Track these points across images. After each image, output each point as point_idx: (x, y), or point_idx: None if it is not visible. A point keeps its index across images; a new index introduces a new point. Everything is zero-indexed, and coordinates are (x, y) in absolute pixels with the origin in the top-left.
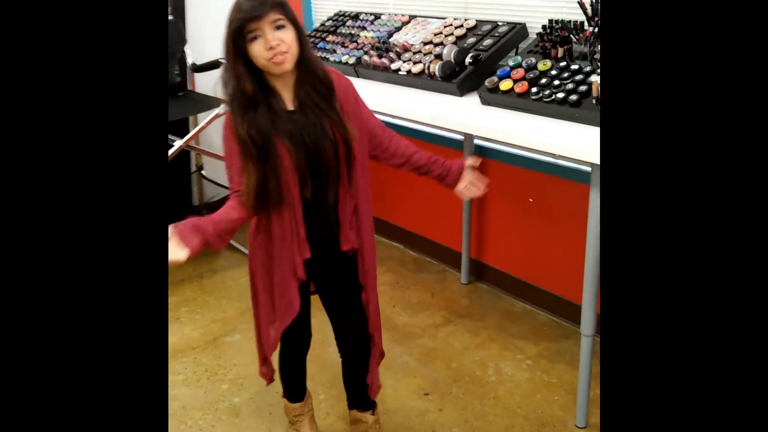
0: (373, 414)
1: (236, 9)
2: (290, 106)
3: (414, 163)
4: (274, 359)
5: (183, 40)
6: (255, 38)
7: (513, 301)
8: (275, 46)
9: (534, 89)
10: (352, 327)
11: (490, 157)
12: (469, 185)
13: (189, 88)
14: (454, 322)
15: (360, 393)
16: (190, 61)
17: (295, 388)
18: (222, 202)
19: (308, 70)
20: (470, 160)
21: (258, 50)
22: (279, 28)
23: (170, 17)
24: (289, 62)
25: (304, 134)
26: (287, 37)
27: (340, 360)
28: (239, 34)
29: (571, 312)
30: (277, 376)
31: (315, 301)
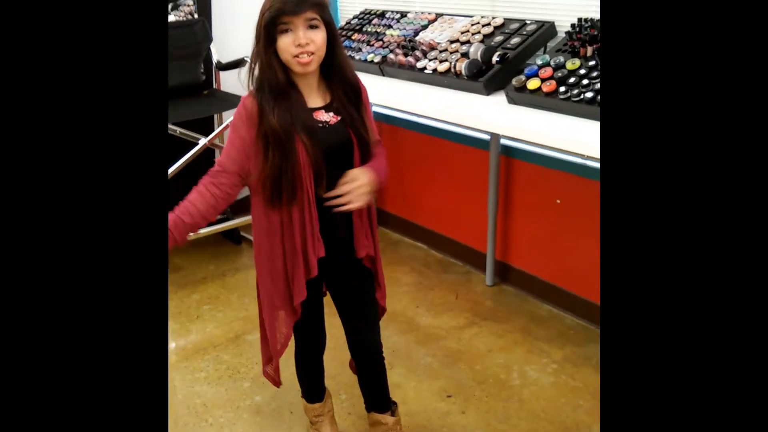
0: (392, 415)
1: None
2: (312, 103)
3: None
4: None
5: (209, 39)
6: (286, 31)
7: (539, 304)
8: (304, 44)
9: (562, 88)
10: (365, 331)
11: (516, 157)
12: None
13: (214, 86)
14: (479, 324)
15: (376, 394)
16: (215, 59)
17: (313, 389)
18: (246, 200)
19: (340, 74)
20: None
21: (286, 44)
22: (312, 27)
23: (196, 16)
24: (314, 64)
25: (325, 133)
26: (318, 38)
27: (373, 373)
28: (272, 24)
29: (598, 316)
30: (286, 378)
31: (328, 301)
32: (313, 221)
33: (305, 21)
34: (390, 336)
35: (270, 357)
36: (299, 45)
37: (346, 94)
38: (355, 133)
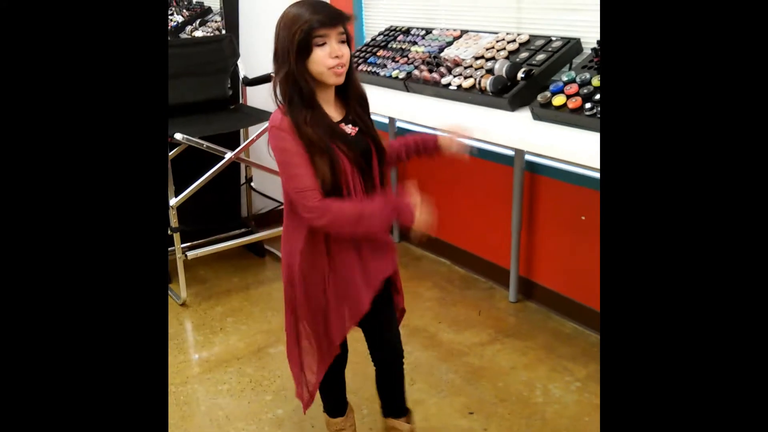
0: (408, 422)
1: (302, 14)
2: (332, 117)
3: (403, 152)
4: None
5: (236, 55)
6: (322, 44)
7: (563, 321)
8: (340, 56)
9: (588, 105)
10: (390, 339)
11: (541, 173)
12: (450, 140)
13: (241, 101)
14: (501, 340)
15: (395, 399)
16: (242, 74)
17: (335, 403)
18: (270, 213)
19: (355, 86)
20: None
21: (321, 56)
22: (342, 41)
23: (224, 32)
24: (344, 76)
25: (356, 140)
26: (347, 51)
27: (395, 379)
28: (308, 36)
29: None
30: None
31: None
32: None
33: (338, 34)
34: (412, 351)
35: (306, 379)
36: (336, 56)
37: (360, 105)
38: (373, 142)
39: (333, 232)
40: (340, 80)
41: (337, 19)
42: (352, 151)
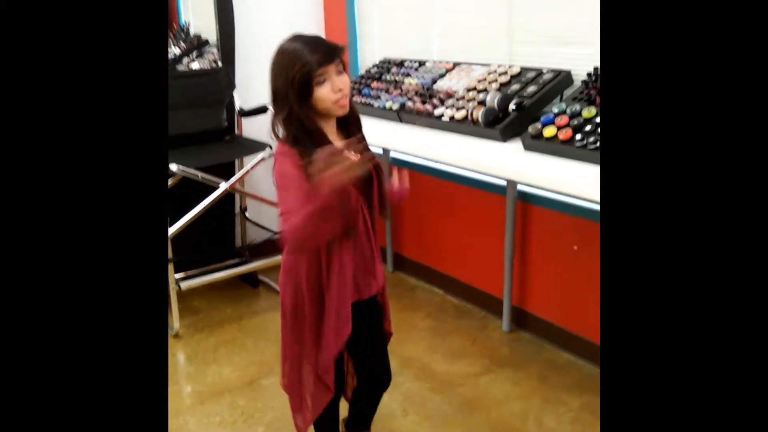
0: None
1: (299, 54)
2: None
3: None
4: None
5: (232, 86)
6: (321, 82)
7: (556, 351)
8: (342, 88)
9: (578, 136)
10: (382, 364)
11: (533, 203)
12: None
13: (236, 132)
14: (495, 371)
15: (366, 416)
16: (238, 106)
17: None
18: (265, 244)
19: (353, 112)
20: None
21: (325, 93)
22: (340, 73)
23: (220, 64)
24: (348, 105)
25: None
26: (347, 80)
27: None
28: (308, 78)
29: None
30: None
31: None
32: (366, 251)
33: (336, 67)
34: (404, 382)
35: (305, 401)
36: (339, 90)
37: (358, 129)
38: (375, 169)
39: (314, 241)
40: (346, 110)
41: (334, 54)
42: (359, 180)
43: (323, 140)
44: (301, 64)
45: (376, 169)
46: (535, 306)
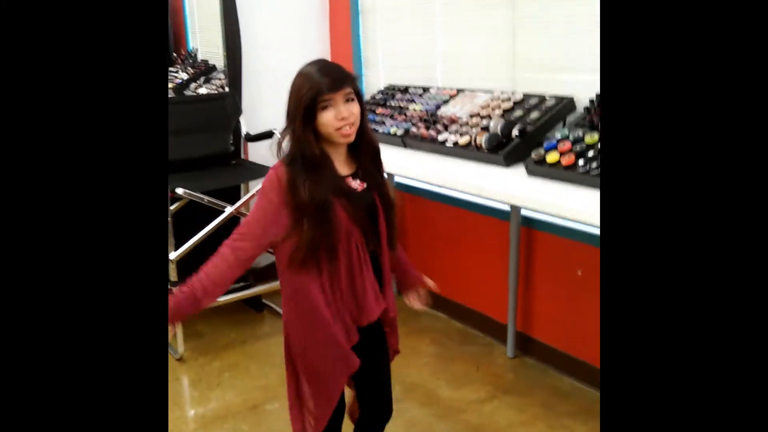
0: None
1: (311, 77)
2: (342, 171)
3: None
4: None
5: (238, 111)
6: (326, 107)
7: (561, 377)
8: (346, 117)
9: (581, 161)
10: (386, 396)
11: (537, 228)
12: (413, 299)
13: (242, 156)
14: (500, 397)
15: None
16: (244, 131)
17: None
18: (269, 268)
19: (367, 141)
20: (430, 282)
21: (328, 118)
22: (349, 101)
23: (227, 89)
24: (353, 134)
25: (361, 198)
26: (355, 110)
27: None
28: (313, 101)
29: None
30: None
31: None
32: (369, 276)
33: (344, 96)
34: (409, 409)
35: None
36: (342, 118)
37: (372, 160)
38: (380, 199)
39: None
40: (349, 140)
41: (342, 82)
42: (354, 208)
43: (318, 163)
44: (309, 87)
45: (383, 201)
46: (539, 332)
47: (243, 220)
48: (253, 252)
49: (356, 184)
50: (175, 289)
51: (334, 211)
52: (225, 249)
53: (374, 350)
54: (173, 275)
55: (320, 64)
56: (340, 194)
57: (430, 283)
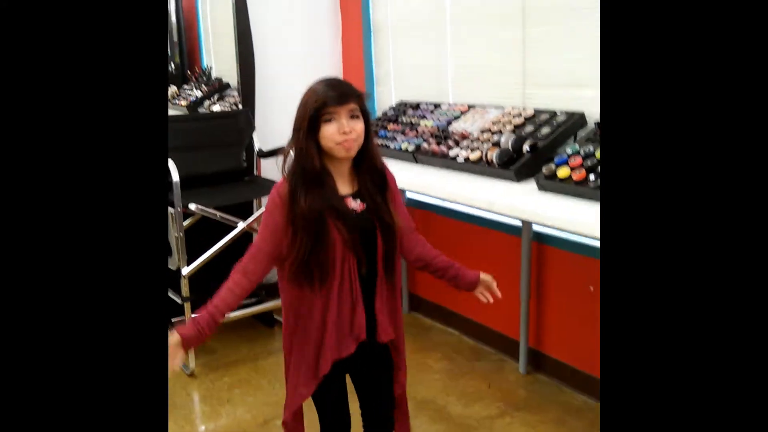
0: None
1: (317, 91)
2: (342, 190)
3: (434, 265)
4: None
5: (252, 128)
6: (330, 120)
7: (573, 394)
8: (348, 132)
9: (592, 176)
10: (382, 416)
11: (548, 244)
12: (483, 290)
13: (255, 173)
14: (511, 414)
15: None
16: (257, 147)
17: None
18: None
19: (370, 160)
20: (487, 276)
21: (330, 132)
22: (353, 117)
23: (240, 107)
24: (355, 149)
25: (357, 219)
26: (358, 127)
27: None
28: (317, 113)
29: None
30: None
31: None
32: (357, 301)
33: (348, 111)
34: (420, 425)
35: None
36: (344, 132)
37: (374, 181)
38: (378, 222)
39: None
40: (350, 154)
41: (346, 97)
42: (349, 230)
43: (319, 177)
44: (315, 99)
45: (381, 224)
46: (551, 348)
47: (254, 239)
48: (265, 272)
49: (356, 205)
50: (192, 317)
51: (328, 229)
52: (238, 275)
53: (374, 368)
54: (185, 290)
55: (329, 80)
56: (336, 215)
57: (487, 278)
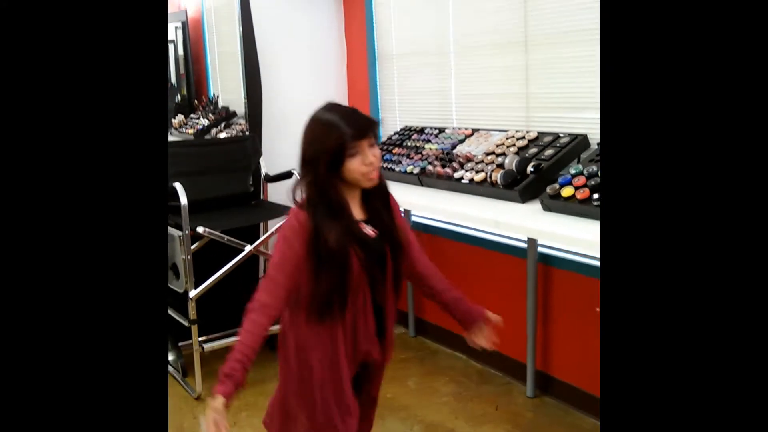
0: None
1: (336, 126)
2: (357, 216)
3: (441, 300)
4: None
5: (258, 153)
6: (354, 154)
7: (582, 417)
8: (373, 162)
9: (596, 195)
10: (368, 416)
11: (554, 265)
12: (479, 336)
13: (262, 197)
14: None
15: None
16: (264, 172)
17: None
18: None
19: (381, 185)
20: (493, 316)
21: (356, 165)
22: (372, 146)
23: (247, 133)
24: (377, 178)
25: (374, 244)
26: (378, 153)
27: None
28: (341, 149)
29: None
30: None
31: None
32: (369, 327)
33: (368, 141)
34: None
35: None
36: (370, 164)
37: (383, 204)
38: (390, 247)
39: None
40: (374, 183)
41: (368, 129)
42: (366, 256)
43: (341, 208)
44: (337, 135)
45: (392, 249)
46: (559, 370)
47: (267, 271)
48: (283, 307)
49: (369, 230)
50: (224, 373)
51: (351, 259)
52: (256, 315)
53: (359, 383)
54: (192, 313)
55: (341, 112)
56: (356, 242)
57: (494, 317)
